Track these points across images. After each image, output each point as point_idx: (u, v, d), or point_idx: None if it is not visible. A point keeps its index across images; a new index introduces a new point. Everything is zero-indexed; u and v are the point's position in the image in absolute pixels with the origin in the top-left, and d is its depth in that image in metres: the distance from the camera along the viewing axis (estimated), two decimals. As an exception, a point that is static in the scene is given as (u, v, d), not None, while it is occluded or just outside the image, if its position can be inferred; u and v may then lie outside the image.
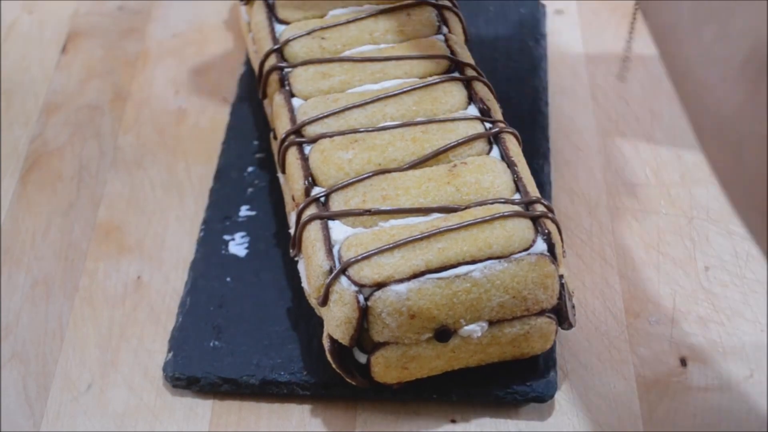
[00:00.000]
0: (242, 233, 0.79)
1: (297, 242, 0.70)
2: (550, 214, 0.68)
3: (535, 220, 0.67)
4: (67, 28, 0.99)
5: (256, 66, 0.82)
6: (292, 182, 0.72)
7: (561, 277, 0.67)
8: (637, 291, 0.76)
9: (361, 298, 0.64)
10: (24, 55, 0.97)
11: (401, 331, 0.65)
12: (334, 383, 0.69)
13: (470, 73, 0.78)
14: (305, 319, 0.72)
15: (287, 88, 0.77)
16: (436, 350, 0.66)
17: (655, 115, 0.89)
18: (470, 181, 0.69)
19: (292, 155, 0.73)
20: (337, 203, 0.69)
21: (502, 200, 0.68)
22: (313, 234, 0.68)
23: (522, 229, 0.66)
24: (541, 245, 0.66)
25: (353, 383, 0.67)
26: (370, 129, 0.73)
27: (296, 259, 0.72)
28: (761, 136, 0.47)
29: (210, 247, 0.78)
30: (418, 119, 0.73)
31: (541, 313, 0.67)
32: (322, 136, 0.73)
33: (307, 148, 0.73)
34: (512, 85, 0.89)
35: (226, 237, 0.78)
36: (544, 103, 0.88)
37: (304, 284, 0.70)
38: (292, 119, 0.75)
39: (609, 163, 0.85)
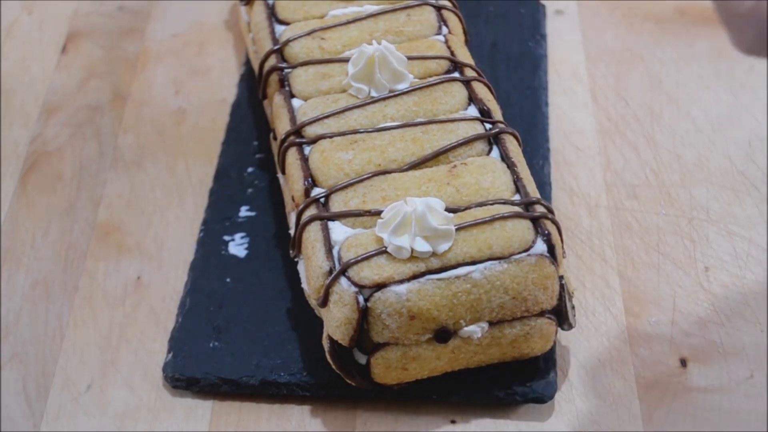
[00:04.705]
0: (242, 234, 0.79)
1: (297, 243, 0.70)
2: (550, 215, 0.68)
3: (535, 220, 0.67)
4: (67, 28, 0.99)
5: (256, 66, 0.82)
6: (292, 183, 0.72)
7: (561, 277, 0.67)
8: (637, 291, 0.76)
9: (360, 298, 0.64)
10: (24, 55, 0.97)
11: (401, 331, 0.65)
12: (334, 384, 0.69)
13: (470, 73, 0.78)
14: (305, 320, 0.72)
15: (287, 88, 0.77)
16: (436, 351, 0.66)
17: (655, 115, 0.89)
18: (470, 182, 0.69)
19: (292, 156, 0.73)
20: (337, 204, 0.69)
21: (502, 201, 0.68)
22: (312, 235, 0.68)
23: (522, 229, 0.66)
24: (541, 246, 0.66)
25: (353, 384, 0.67)
26: (370, 129, 0.73)
27: (296, 259, 0.72)
28: None
29: (210, 247, 0.78)
30: (418, 120, 0.73)
31: (541, 313, 0.67)
32: (322, 136, 0.73)
33: (307, 149, 0.73)
34: (512, 85, 0.89)
35: (226, 237, 0.78)
36: (544, 103, 0.88)
37: (304, 285, 0.70)
38: (292, 120, 0.75)
39: (609, 163, 0.85)
